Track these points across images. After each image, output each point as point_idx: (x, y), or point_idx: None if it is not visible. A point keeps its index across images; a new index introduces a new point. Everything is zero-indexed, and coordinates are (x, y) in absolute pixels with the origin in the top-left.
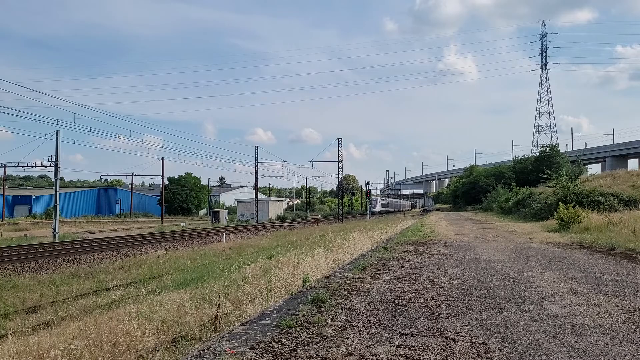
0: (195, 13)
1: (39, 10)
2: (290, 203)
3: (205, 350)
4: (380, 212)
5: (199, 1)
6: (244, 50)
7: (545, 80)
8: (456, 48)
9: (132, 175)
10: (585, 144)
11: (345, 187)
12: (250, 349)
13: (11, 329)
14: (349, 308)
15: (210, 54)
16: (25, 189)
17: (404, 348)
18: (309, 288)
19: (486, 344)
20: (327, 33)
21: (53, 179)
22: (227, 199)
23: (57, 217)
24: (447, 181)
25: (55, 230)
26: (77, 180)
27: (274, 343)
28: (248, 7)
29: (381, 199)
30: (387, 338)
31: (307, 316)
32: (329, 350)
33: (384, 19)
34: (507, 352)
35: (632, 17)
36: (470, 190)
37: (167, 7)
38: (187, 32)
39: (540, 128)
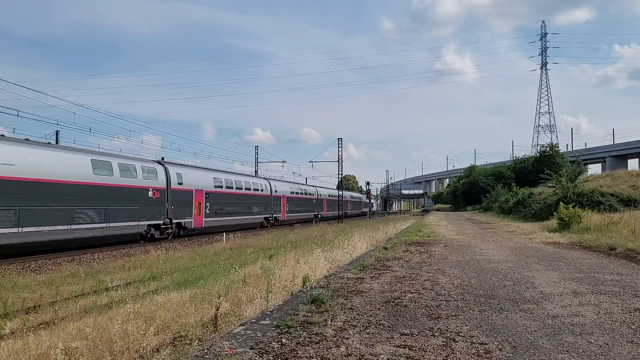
0: (194, 12)
1: (38, 10)
2: None
3: (205, 350)
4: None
5: (197, 0)
6: (242, 50)
7: (545, 80)
8: (454, 47)
9: None
10: (585, 144)
11: (346, 187)
12: (250, 349)
13: (10, 329)
14: (349, 308)
15: (208, 54)
16: None
17: (404, 348)
18: (309, 288)
19: (486, 344)
20: (326, 33)
21: None
22: None
23: None
24: (447, 181)
25: None
26: None
27: (274, 343)
28: (246, 7)
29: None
30: (387, 338)
31: (307, 316)
32: (329, 350)
33: (382, 19)
34: (507, 352)
35: (630, 16)
36: (470, 191)
37: (165, 6)
38: (185, 32)
39: (540, 128)
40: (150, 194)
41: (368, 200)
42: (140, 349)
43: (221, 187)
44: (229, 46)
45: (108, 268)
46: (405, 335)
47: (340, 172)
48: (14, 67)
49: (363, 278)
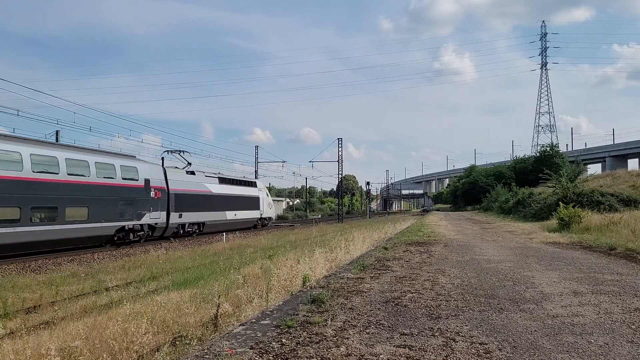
0: (192, 12)
1: (37, 10)
2: (290, 203)
3: (205, 350)
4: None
5: (197, 0)
6: (241, 50)
7: (545, 80)
8: (453, 47)
9: None
10: (585, 144)
11: (345, 187)
12: (250, 349)
13: (10, 329)
14: (349, 308)
15: (207, 54)
16: None
17: (404, 348)
18: (308, 288)
19: (486, 344)
20: (325, 32)
21: None
22: None
23: None
24: (447, 181)
25: None
26: None
27: (274, 343)
28: (245, 6)
29: None
30: (387, 338)
31: (307, 316)
32: (329, 350)
33: (380, 18)
34: (507, 352)
35: (629, 16)
36: (470, 190)
37: (164, 6)
38: (184, 32)
39: (540, 128)
40: None
41: (368, 201)
42: (140, 348)
43: None
44: (228, 46)
45: (108, 268)
46: (405, 335)
47: (340, 172)
48: (13, 66)
49: (363, 278)
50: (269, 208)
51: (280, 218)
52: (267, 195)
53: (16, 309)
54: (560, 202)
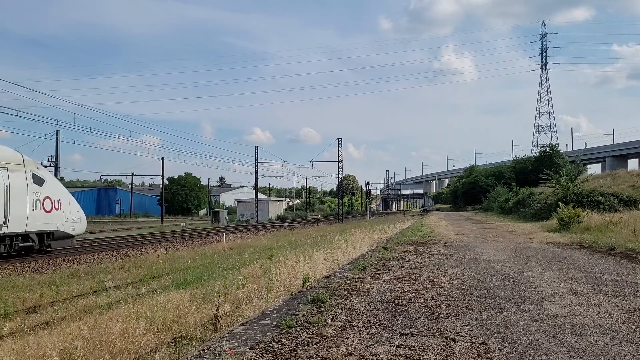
0: (192, 12)
1: (36, 9)
2: (290, 203)
3: (205, 350)
4: None
5: (197, 0)
6: (241, 50)
7: (545, 80)
8: (453, 47)
9: (132, 175)
10: (585, 144)
11: (345, 187)
12: (250, 349)
13: (10, 329)
14: (349, 308)
15: (207, 54)
16: None
17: (404, 348)
18: (308, 288)
19: (486, 344)
20: (325, 32)
21: None
22: (227, 199)
23: None
24: (447, 181)
25: None
26: (77, 180)
27: (274, 343)
28: (245, 6)
29: None
30: (387, 338)
31: (307, 316)
32: (329, 350)
33: (380, 18)
34: (507, 352)
35: (628, 16)
36: (470, 191)
37: (164, 6)
38: (184, 32)
39: (540, 128)
40: None
41: (368, 201)
42: (140, 349)
43: None
44: (228, 46)
45: (108, 268)
46: (405, 335)
47: (340, 172)
48: (13, 67)
49: (363, 278)
50: (56, 210)
51: (280, 218)
52: (45, 180)
53: (16, 309)
54: (560, 202)
